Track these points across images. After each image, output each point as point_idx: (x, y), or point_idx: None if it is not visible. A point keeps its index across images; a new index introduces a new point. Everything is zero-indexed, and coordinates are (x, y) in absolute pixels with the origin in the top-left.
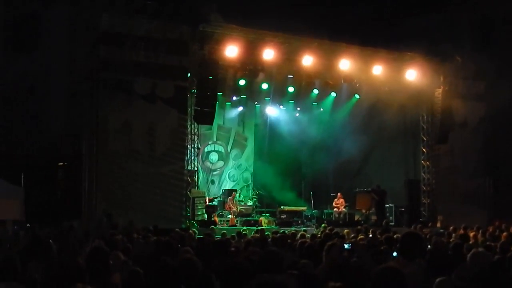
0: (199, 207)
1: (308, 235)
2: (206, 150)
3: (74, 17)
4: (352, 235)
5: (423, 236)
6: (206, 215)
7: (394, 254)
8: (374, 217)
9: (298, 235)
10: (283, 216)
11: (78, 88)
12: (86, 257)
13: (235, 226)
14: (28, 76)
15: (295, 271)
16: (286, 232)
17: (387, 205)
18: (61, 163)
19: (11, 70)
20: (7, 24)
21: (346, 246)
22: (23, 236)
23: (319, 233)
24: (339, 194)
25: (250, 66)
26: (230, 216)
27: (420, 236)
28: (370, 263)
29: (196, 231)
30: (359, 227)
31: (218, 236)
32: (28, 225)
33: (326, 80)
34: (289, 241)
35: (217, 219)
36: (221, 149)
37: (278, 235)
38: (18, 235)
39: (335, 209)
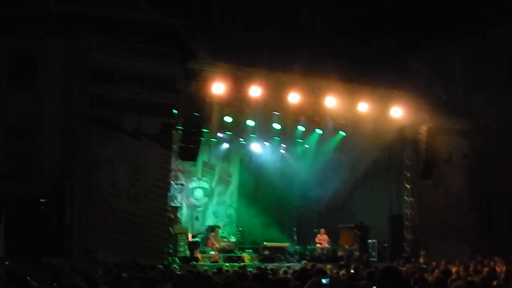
0: (182, 244)
1: (291, 271)
2: (191, 186)
3: (67, 56)
4: (335, 271)
5: (404, 271)
6: (188, 252)
7: None
8: (357, 253)
9: (281, 271)
10: (266, 252)
11: (69, 125)
12: None
13: (217, 262)
14: (20, 114)
15: None
16: (268, 268)
17: (370, 240)
18: (43, 200)
19: (4, 107)
20: (1, 61)
21: (324, 281)
22: (1, 274)
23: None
24: (322, 230)
25: (236, 103)
26: (212, 252)
27: (398, 270)
28: None
29: (178, 268)
30: (341, 262)
31: None
32: (7, 262)
33: (312, 117)
34: (270, 276)
35: (199, 255)
36: (206, 185)
37: (259, 271)
38: None
39: (318, 245)
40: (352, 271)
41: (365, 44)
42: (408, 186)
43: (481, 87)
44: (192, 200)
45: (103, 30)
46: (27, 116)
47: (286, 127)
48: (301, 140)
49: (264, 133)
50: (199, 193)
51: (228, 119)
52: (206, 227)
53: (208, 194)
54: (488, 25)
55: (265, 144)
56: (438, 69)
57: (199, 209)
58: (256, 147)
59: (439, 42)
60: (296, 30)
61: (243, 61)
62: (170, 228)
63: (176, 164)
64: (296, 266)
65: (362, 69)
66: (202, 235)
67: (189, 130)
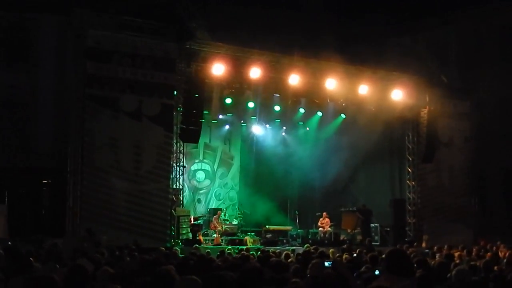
0: (184, 226)
1: (294, 255)
2: (192, 168)
3: (63, 31)
4: (337, 255)
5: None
6: (191, 234)
7: (376, 272)
8: (359, 237)
9: (283, 255)
10: (268, 236)
11: (65, 104)
12: (66, 274)
13: (220, 245)
14: (15, 89)
15: None
16: (270, 251)
17: (373, 224)
18: (46, 180)
19: None
20: None
21: (326, 264)
22: (4, 254)
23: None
24: (324, 213)
25: (237, 84)
26: (215, 235)
27: (405, 253)
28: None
29: (179, 250)
30: (344, 246)
31: None
32: (9, 243)
33: (312, 99)
34: (273, 259)
35: (202, 238)
36: (207, 167)
37: (262, 254)
38: None
39: (320, 229)
40: (355, 255)
41: (359, 23)
42: (410, 169)
43: (475, 65)
44: (194, 182)
45: (97, 5)
46: (21, 91)
47: (287, 109)
48: (302, 123)
49: (265, 115)
50: (201, 175)
51: (228, 100)
52: (209, 209)
53: (210, 176)
54: (481, 1)
55: (266, 127)
56: (434, 48)
57: (201, 191)
58: (257, 130)
59: (433, 20)
60: (290, 7)
61: (240, 40)
62: (173, 211)
63: (177, 145)
64: (299, 249)
65: (361, 51)
66: (204, 218)
67: (189, 111)
